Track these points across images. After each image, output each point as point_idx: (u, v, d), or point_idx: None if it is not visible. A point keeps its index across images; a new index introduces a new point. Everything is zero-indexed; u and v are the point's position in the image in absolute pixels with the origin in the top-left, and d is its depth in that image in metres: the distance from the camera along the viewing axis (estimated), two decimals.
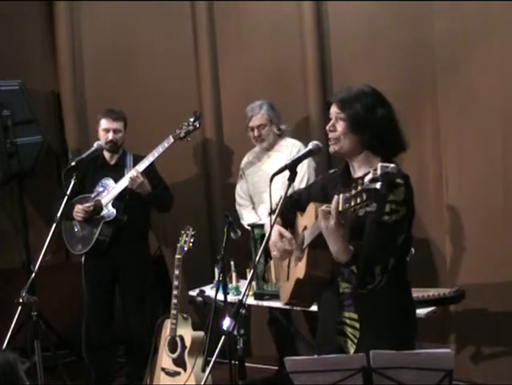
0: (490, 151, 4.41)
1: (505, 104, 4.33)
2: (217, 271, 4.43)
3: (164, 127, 4.82)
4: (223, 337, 2.63)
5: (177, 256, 4.27)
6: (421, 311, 3.78)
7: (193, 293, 4.54)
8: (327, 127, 2.59)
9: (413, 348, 2.57)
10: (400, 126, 2.59)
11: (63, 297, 5.11)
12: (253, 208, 4.80)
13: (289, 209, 2.81)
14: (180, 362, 4.29)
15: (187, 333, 4.29)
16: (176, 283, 4.25)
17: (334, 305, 2.61)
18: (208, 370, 3.16)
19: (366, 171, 2.52)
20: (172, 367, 4.32)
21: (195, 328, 4.38)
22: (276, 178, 2.59)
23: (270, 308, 4.55)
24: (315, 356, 2.42)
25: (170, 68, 5.37)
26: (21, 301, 3.43)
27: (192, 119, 4.49)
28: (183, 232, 4.30)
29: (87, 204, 4.46)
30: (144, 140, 4.86)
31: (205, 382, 3.32)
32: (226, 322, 2.47)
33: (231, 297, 4.27)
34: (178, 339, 4.28)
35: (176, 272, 4.25)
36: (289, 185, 2.58)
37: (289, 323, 4.78)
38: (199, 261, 5.10)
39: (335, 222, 2.28)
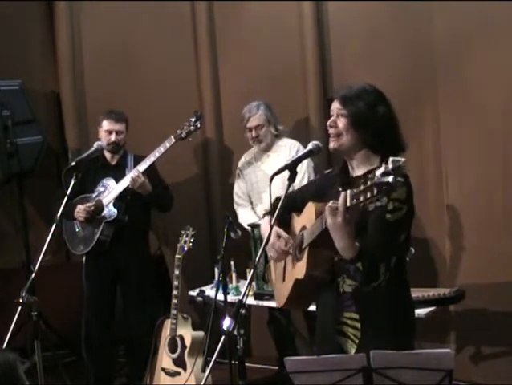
0: (490, 151, 4.41)
1: (505, 104, 4.33)
2: (217, 271, 4.44)
3: (164, 127, 4.83)
4: (223, 337, 2.63)
5: (177, 256, 4.27)
6: (421, 311, 3.78)
7: (193, 293, 4.54)
8: (328, 123, 2.59)
9: (413, 348, 2.57)
10: (399, 125, 2.59)
11: (63, 297, 5.11)
12: (252, 208, 4.80)
13: (284, 210, 2.80)
14: (180, 362, 4.29)
15: (187, 333, 4.29)
16: (176, 283, 4.25)
17: (333, 306, 2.60)
18: (208, 370, 3.17)
19: (365, 170, 2.53)
20: (172, 367, 4.32)
21: (195, 328, 4.38)
22: (276, 178, 2.59)
23: (270, 308, 4.55)
24: (315, 356, 2.42)
25: (170, 68, 5.37)
26: (21, 301, 3.42)
27: (193, 119, 4.49)
28: (183, 232, 4.30)
29: (89, 204, 4.46)
30: (143, 140, 4.86)
31: (205, 382, 3.32)
32: (226, 322, 2.47)
33: (231, 297, 4.27)
34: (178, 339, 4.28)
35: (176, 272, 4.25)
36: (289, 185, 2.58)
37: (288, 323, 4.78)
38: (199, 261, 5.10)
39: (343, 218, 2.28)
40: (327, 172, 2.87)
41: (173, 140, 4.45)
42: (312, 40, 4.94)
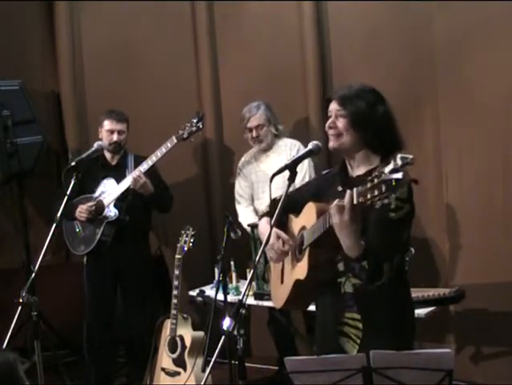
0: (490, 151, 4.41)
1: (505, 104, 4.33)
2: (217, 271, 4.44)
3: (164, 127, 4.83)
4: (223, 337, 2.63)
5: (177, 256, 4.27)
6: (421, 311, 3.78)
7: (193, 293, 4.55)
8: (327, 124, 2.58)
9: (413, 348, 2.57)
10: (397, 124, 2.59)
11: (63, 297, 5.11)
12: (254, 207, 4.79)
13: (282, 211, 2.79)
14: (180, 362, 4.29)
15: (187, 333, 4.29)
16: (176, 283, 4.25)
17: (334, 306, 2.60)
18: (208, 370, 3.16)
19: (365, 169, 2.54)
20: (172, 367, 4.32)
21: (195, 328, 4.38)
22: (276, 178, 2.59)
23: (270, 308, 4.55)
24: (315, 356, 2.41)
25: (170, 68, 5.37)
26: (21, 301, 3.42)
27: (195, 120, 4.49)
28: (183, 232, 4.30)
29: (90, 204, 4.46)
30: (143, 140, 4.86)
31: (205, 382, 3.32)
32: (226, 322, 2.46)
33: (231, 297, 4.27)
34: (178, 339, 4.28)
35: (176, 272, 4.25)
36: (289, 185, 2.57)
37: (289, 323, 4.79)
38: (199, 261, 5.10)
39: (350, 217, 2.27)
40: (324, 172, 2.86)
41: (175, 141, 4.45)
42: (312, 40, 4.93)
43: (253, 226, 4.36)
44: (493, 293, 4.40)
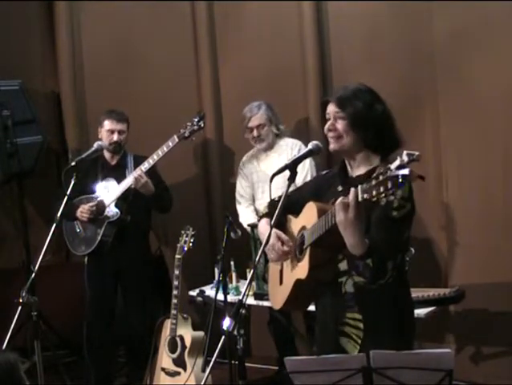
0: (490, 151, 4.41)
1: (505, 104, 4.33)
2: (217, 271, 4.44)
3: (164, 127, 4.83)
4: (223, 337, 2.63)
5: (177, 256, 4.27)
6: (421, 311, 3.78)
7: (193, 293, 4.54)
8: (327, 127, 2.57)
9: (413, 348, 2.57)
10: (396, 123, 2.59)
11: (63, 297, 5.10)
12: (254, 207, 4.79)
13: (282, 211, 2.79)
14: (180, 362, 4.29)
15: (187, 333, 4.29)
16: (176, 283, 4.25)
17: (335, 306, 2.60)
18: (208, 370, 3.16)
19: (365, 169, 2.54)
20: (172, 367, 4.32)
21: (195, 328, 4.38)
22: (277, 178, 2.58)
23: (270, 308, 4.54)
24: (315, 356, 2.41)
25: (170, 68, 5.36)
26: (21, 301, 3.42)
27: (196, 119, 4.49)
28: (183, 232, 4.30)
29: (91, 204, 4.46)
30: (143, 140, 4.86)
31: (205, 382, 3.32)
32: (226, 322, 2.47)
33: (231, 297, 4.27)
34: (178, 339, 4.28)
35: (176, 272, 4.25)
36: (289, 185, 2.57)
37: (289, 323, 4.79)
38: (199, 261, 5.10)
39: (355, 214, 2.27)
40: (323, 173, 2.86)
41: (176, 140, 4.45)
42: (312, 40, 4.93)
43: (254, 226, 4.36)
44: (493, 293, 4.40)
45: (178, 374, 4.29)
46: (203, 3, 5.32)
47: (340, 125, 2.54)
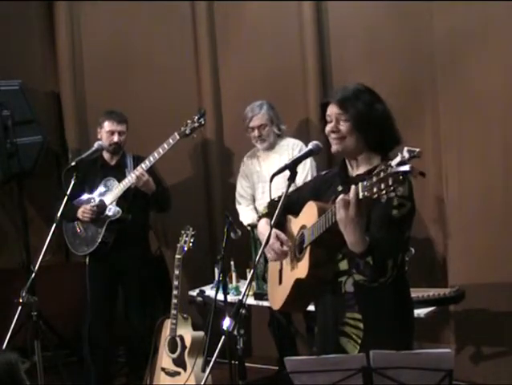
0: (490, 151, 4.41)
1: (505, 104, 4.33)
2: (217, 271, 4.43)
3: (164, 127, 4.82)
4: (223, 337, 2.63)
5: (177, 256, 4.27)
6: (421, 311, 3.78)
7: (193, 293, 4.55)
8: (330, 129, 2.55)
9: (412, 348, 2.57)
10: (395, 122, 2.59)
11: (63, 297, 5.10)
12: (254, 207, 4.79)
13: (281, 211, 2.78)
14: (180, 362, 4.29)
15: (187, 333, 4.30)
16: (176, 283, 4.25)
17: (335, 306, 2.60)
18: (208, 370, 3.15)
19: (366, 169, 2.53)
20: (172, 367, 4.32)
21: (195, 328, 4.39)
22: (277, 178, 2.58)
23: (270, 308, 4.54)
24: (315, 356, 2.41)
25: (170, 68, 5.36)
26: (21, 301, 3.43)
27: (197, 116, 4.49)
28: (183, 232, 4.30)
29: (92, 204, 4.46)
30: (143, 140, 4.86)
31: (205, 382, 3.31)
32: (226, 322, 2.47)
33: (231, 297, 4.27)
34: (178, 339, 4.28)
35: (176, 272, 4.25)
36: (289, 185, 2.57)
37: (289, 323, 4.78)
38: (199, 261, 5.10)
39: (355, 211, 2.27)
40: (323, 173, 2.86)
41: (177, 137, 4.45)
42: (312, 40, 4.93)
43: (254, 226, 4.36)
44: (493, 293, 4.39)
45: (178, 374, 4.29)
46: (203, 3, 5.32)
47: (343, 127, 2.53)
